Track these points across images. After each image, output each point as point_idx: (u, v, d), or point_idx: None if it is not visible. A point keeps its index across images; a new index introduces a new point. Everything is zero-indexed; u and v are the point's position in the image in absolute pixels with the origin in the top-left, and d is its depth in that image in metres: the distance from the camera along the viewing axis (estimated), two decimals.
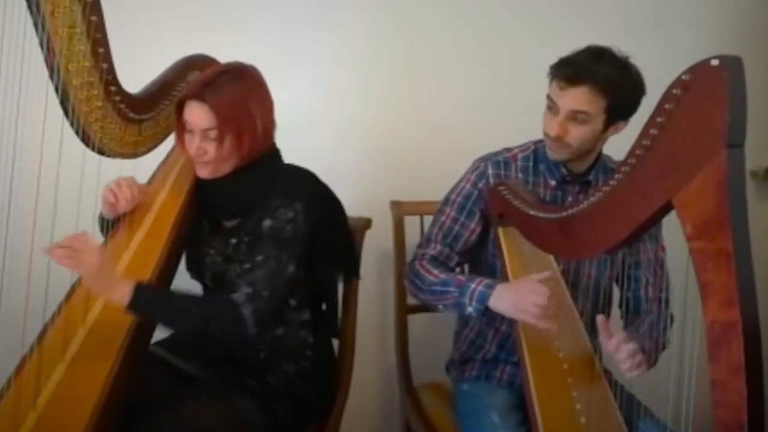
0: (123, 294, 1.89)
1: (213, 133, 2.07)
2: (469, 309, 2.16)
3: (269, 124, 2.21)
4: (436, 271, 2.28)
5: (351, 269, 2.49)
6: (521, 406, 2.14)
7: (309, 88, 3.05)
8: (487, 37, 3.09)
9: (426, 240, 2.42)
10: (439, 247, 2.37)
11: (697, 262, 1.36)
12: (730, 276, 1.30)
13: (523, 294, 2.04)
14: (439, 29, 3.08)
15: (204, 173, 2.17)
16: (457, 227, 2.37)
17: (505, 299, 2.10)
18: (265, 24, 3.00)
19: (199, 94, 2.07)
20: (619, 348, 1.96)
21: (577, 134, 2.15)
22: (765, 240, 3.11)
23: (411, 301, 2.71)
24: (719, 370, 1.29)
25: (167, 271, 2.15)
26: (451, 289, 2.21)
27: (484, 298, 2.13)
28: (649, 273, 2.29)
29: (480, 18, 3.08)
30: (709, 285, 1.33)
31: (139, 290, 1.91)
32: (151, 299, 1.96)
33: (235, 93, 2.10)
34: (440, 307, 2.29)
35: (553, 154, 2.25)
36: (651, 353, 2.04)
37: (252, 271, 2.05)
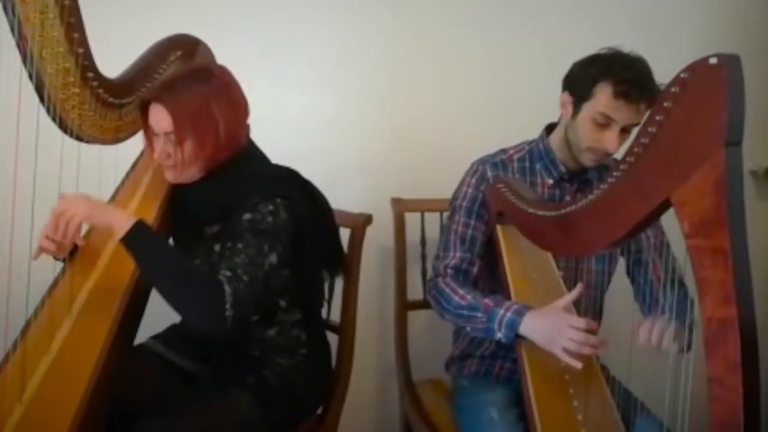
0: (123, 223, 1.90)
1: (173, 136, 2.05)
2: (499, 335, 2.11)
3: (236, 128, 2.15)
4: (461, 291, 2.24)
5: (337, 267, 2.46)
6: (519, 403, 2.13)
7: (312, 88, 3.06)
8: (487, 37, 3.10)
9: (444, 249, 2.38)
10: (459, 254, 2.34)
11: (695, 259, 1.35)
12: (727, 273, 1.29)
13: (560, 326, 1.98)
14: (439, 30, 3.11)
15: (170, 177, 2.15)
16: (470, 231, 2.36)
17: (538, 329, 2.04)
18: (268, 24, 3.01)
19: (158, 96, 2.05)
20: (653, 331, 1.94)
21: (621, 144, 2.15)
22: (764, 239, 3.12)
23: (411, 296, 2.72)
24: (716, 367, 1.29)
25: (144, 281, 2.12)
26: (479, 314, 2.16)
27: (514, 326, 2.08)
28: (656, 255, 2.28)
29: (480, 19, 3.08)
30: (706, 282, 1.33)
31: (139, 227, 1.91)
32: (147, 241, 1.94)
33: (196, 95, 2.06)
34: (468, 329, 2.25)
35: (594, 163, 2.25)
36: (681, 335, 1.97)
37: (231, 257, 1.99)
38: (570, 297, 2.03)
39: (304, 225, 2.16)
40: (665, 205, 1.49)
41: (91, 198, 1.93)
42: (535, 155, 2.38)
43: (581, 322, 1.95)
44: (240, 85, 2.17)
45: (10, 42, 1.75)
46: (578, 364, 1.94)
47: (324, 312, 2.53)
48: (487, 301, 2.17)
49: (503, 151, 2.43)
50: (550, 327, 2.00)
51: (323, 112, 3.08)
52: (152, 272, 1.98)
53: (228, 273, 1.94)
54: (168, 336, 2.35)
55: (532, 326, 2.05)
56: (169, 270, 1.96)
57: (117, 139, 2.17)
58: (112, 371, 1.91)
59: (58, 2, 1.76)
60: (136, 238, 1.90)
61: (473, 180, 2.38)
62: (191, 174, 2.12)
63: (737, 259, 1.29)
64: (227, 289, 1.90)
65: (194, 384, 2.24)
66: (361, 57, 3.08)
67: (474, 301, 2.19)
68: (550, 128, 2.38)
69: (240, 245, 2.00)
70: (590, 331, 1.94)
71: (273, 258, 2.03)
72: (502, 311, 2.11)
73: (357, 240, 2.58)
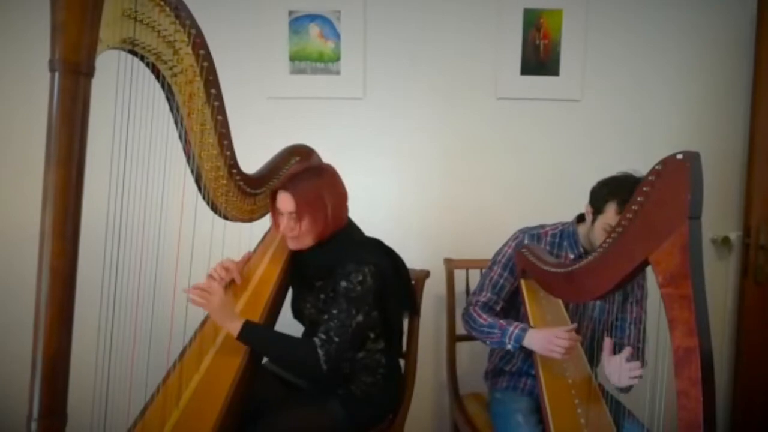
0: (235, 327, 1.97)
1: (294, 215, 2.12)
2: (509, 346, 2.19)
3: (341, 210, 2.21)
4: (485, 315, 2.29)
5: (413, 308, 2.47)
6: (538, 410, 2.13)
7: (386, 176, 3.09)
8: (513, 136, 3.10)
9: (479, 289, 2.42)
10: (489, 294, 2.38)
11: (666, 303, 1.36)
12: (690, 313, 1.31)
13: (550, 338, 2.07)
14: (477, 130, 3.10)
15: (291, 245, 2.21)
16: (501, 281, 2.38)
17: (536, 341, 2.12)
18: (359, 132, 3.07)
19: (286, 186, 2.12)
20: (623, 361, 1.98)
21: None
22: (720, 288, 3.07)
23: (458, 332, 2.71)
24: (682, 383, 1.30)
25: (271, 317, 2.15)
26: (495, 331, 2.23)
27: (520, 339, 2.16)
28: (633, 328, 2.30)
29: (507, 122, 3.10)
30: (675, 320, 1.34)
31: (247, 326, 1.98)
32: (254, 334, 2.00)
33: (312, 186, 2.12)
34: (487, 342, 2.29)
35: None
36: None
37: (328, 321, 2.05)
38: (566, 328, 2.09)
39: (387, 280, 2.20)
40: (644, 264, 1.50)
41: (225, 304, 1.98)
42: (564, 235, 2.38)
43: (564, 332, 2.06)
44: (342, 180, 2.23)
45: (178, 147, 1.82)
46: (566, 357, 2.07)
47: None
48: (501, 321, 2.24)
49: (541, 226, 2.44)
50: (544, 339, 2.09)
51: (394, 193, 3.10)
52: (264, 353, 2.09)
53: (323, 336, 2.02)
54: None
55: (532, 339, 2.13)
56: (274, 349, 2.05)
57: (251, 219, 2.21)
58: (244, 387, 1.94)
59: (213, 117, 1.81)
60: (246, 336, 1.98)
61: (513, 243, 2.40)
62: (306, 243, 2.18)
63: (698, 302, 1.31)
64: (320, 351, 1.99)
65: (298, 394, 2.25)
66: (420, 152, 3.09)
67: (492, 321, 2.26)
68: (581, 217, 2.38)
69: (335, 311, 2.06)
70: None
71: (359, 318, 2.09)
72: (511, 328, 2.19)
73: (418, 289, 2.59)
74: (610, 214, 2.13)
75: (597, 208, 2.20)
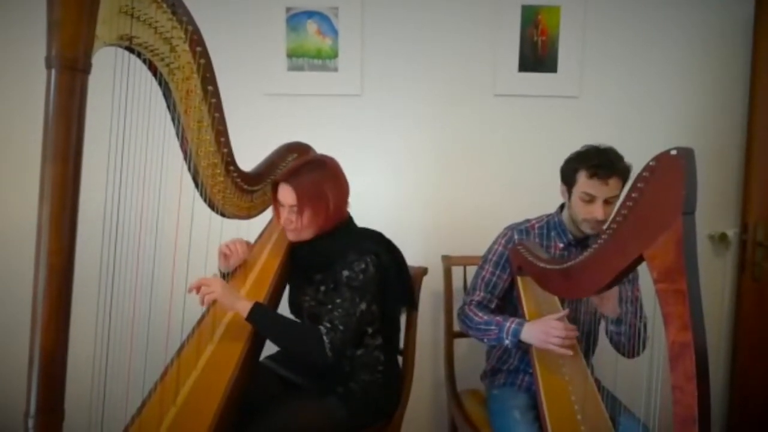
0: (245, 308, 1.99)
1: (295, 208, 2.12)
2: (506, 342, 2.20)
3: (342, 204, 2.22)
4: (480, 314, 2.31)
5: (411, 303, 2.48)
6: (536, 407, 2.12)
7: (385, 174, 3.10)
8: (509, 134, 3.10)
9: (472, 289, 2.44)
10: (482, 294, 2.40)
11: (661, 298, 1.37)
12: (685, 308, 1.31)
13: (546, 330, 2.08)
14: (474, 128, 3.11)
15: (291, 237, 2.22)
16: (494, 279, 2.40)
17: (533, 334, 2.12)
18: (356, 131, 3.07)
19: (287, 179, 2.13)
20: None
21: (608, 212, 2.19)
22: (717, 284, 3.07)
23: (456, 329, 2.72)
24: (677, 378, 1.30)
25: (271, 307, 2.15)
26: (492, 327, 2.24)
27: (517, 333, 2.16)
28: (630, 306, 2.30)
29: (502, 121, 3.10)
30: (669, 315, 1.34)
31: (257, 307, 2.00)
32: (264, 316, 2.01)
33: (314, 179, 2.13)
34: (485, 340, 2.30)
35: (591, 231, 2.28)
36: (632, 338, 2.20)
37: (332, 310, 2.06)
38: (557, 315, 2.11)
39: (387, 273, 2.21)
40: (639, 260, 1.51)
41: (227, 286, 2.03)
42: (551, 225, 2.41)
43: (561, 325, 2.07)
44: (344, 173, 2.23)
45: (175, 144, 1.81)
46: (569, 352, 2.06)
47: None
48: (497, 318, 2.26)
49: (527, 221, 2.46)
50: (541, 331, 2.10)
51: (395, 191, 3.11)
52: (270, 336, 2.08)
53: (328, 325, 2.03)
54: (279, 356, 2.38)
55: (529, 332, 2.14)
56: (281, 333, 2.06)
57: (249, 216, 2.22)
58: (242, 384, 1.94)
59: (210, 114, 1.81)
60: (256, 316, 1.99)
61: (503, 240, 2.42)
62: (306, 236, 2.19)
63: (692, 297, 1.31)
64: (326, 339, 2.00)
65: (298, 392, 2.26)
66: (418, 148, 3.10)
67: (489, 319, 2.28)
68: (563, 206, 2.41)
69: (338, 300, 2.08)
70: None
71: (363, 306, 2.10)
72: (508, 323, 2.20)
73: (416, 286, 2.59)
74: (582, 180, 2.20)
75: (569, 183, 2.27)
